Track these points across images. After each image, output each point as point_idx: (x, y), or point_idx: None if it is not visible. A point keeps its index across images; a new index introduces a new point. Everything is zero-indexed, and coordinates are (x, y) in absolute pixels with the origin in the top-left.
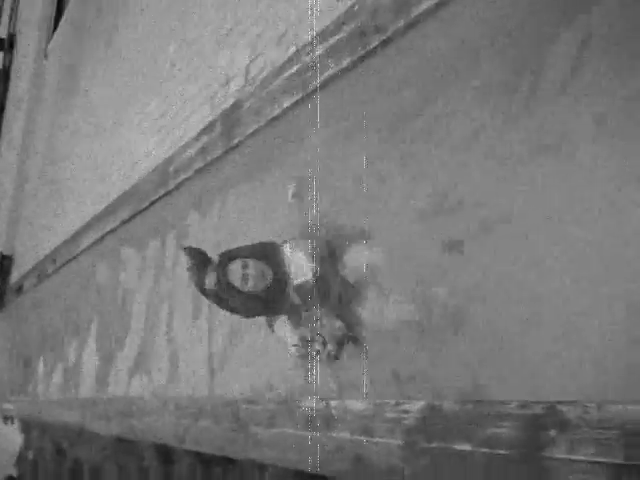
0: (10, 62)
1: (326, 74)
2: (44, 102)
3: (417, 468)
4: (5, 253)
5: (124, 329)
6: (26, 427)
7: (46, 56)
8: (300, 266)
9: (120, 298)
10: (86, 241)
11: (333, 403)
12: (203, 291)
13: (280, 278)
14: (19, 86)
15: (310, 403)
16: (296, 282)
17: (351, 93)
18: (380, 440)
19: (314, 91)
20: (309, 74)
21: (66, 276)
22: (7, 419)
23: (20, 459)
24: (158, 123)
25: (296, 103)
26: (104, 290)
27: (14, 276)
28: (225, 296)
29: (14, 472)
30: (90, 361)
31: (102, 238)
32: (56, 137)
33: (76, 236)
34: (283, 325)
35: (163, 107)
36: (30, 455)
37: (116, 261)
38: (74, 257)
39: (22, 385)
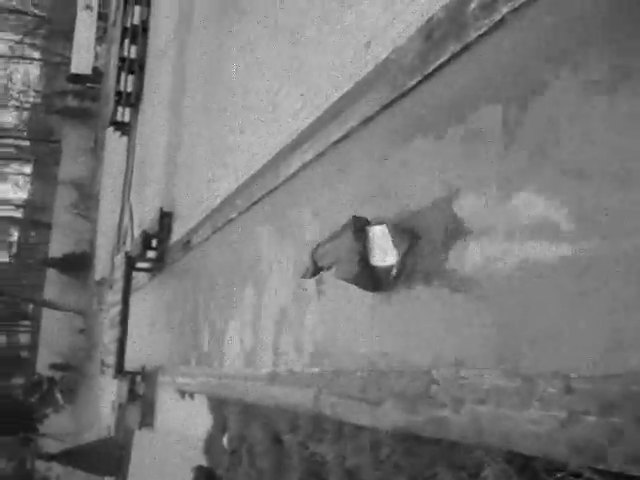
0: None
1: None
2: (192, 50)
3: None
4: (165, 209)
5: None
6: (216, 406)
7: None
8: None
9: None
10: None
11: None
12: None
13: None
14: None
15: None
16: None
17: None
18: None
19: None
20: None
21: (237, 231)
22: (184, 394)
23: (211, 445)
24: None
25: None
26: None
27: (176, 233)
28: None
29: (204, 461)
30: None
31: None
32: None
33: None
34: None
35: None
36: (226, 442)
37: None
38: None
39: (203, 355)
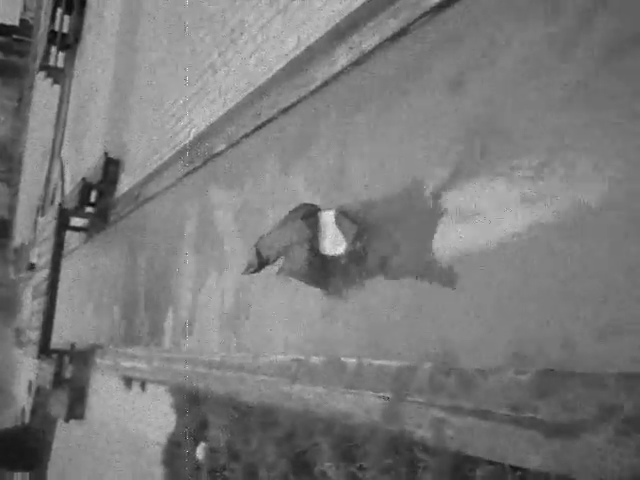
0: None
1: None
2: None
3: None
4: (111, 156)
5: None
6: (185, 402)
7: None
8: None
9: None
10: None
11: None
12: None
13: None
14: None
15: None
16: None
17: None
18: None
19: None
20: None
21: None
22: (130, 382)
23: (174, 456)
24: None
25: None
26: None
27: (123, 185)
28: None
29: (160, 474)
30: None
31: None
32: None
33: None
34: None
35: None
36: (202, 455)
37: None
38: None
39: (158, 333)
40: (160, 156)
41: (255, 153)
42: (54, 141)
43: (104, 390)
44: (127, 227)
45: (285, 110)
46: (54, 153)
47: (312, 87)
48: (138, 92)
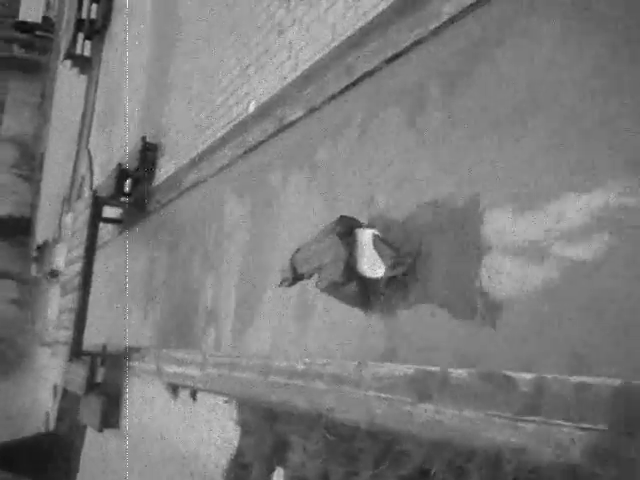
0: None
1: None
2: None
3: None
4: (150, 140)
5: None
6: (255, 418)
7: None
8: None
9: None
10: None
11: None
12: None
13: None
14: None
15: None
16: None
17: None
18: None
19: None
20: None
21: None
22: (176, 390)
23: (235, 476)
24: None
25: None
26: None
27: (163, 172)
28: None
29: None
30: None
31: None
32: None
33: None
34: None
35: None
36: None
37: None
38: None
39: (200, 334)
40: (211, 133)
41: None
42: (80, 133)
43: (143, 398)
44: (168, 217)
45: (397, 56)
46: (80, 145)
47: (435, 24)
48: (180, 69)
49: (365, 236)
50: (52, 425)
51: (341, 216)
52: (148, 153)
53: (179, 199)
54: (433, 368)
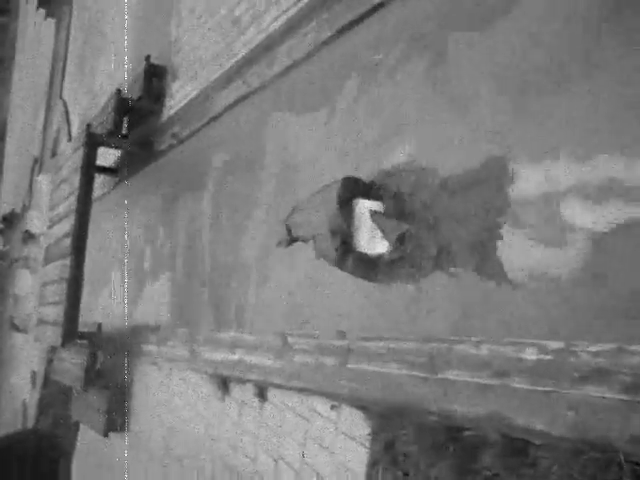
0: None
1: None
2: None
3: None
4: (155, 62)
5: None
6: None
7: None
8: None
9: None
10: None
11: None
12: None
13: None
14: None
15: None
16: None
17: None
18: None
19: None
20: None
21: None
22: (225, 384)
23: None
24: None
25: None
26: None
27: (176, 100)
28: None
29: None
30: None
31: None
32: None
33: None
34: None
35: None
36: None
37: None
38: None
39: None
40: (244, 42)
41: None
42: (51, 82)
43: (166, 391)
44: (184, 159)
45: None
46: (51, 95)
47: None
48: None
49: (363, 208)
50: (32, 420)
51: (344, 178)
52: (152, 79)
53: (198, 134)
54: None
